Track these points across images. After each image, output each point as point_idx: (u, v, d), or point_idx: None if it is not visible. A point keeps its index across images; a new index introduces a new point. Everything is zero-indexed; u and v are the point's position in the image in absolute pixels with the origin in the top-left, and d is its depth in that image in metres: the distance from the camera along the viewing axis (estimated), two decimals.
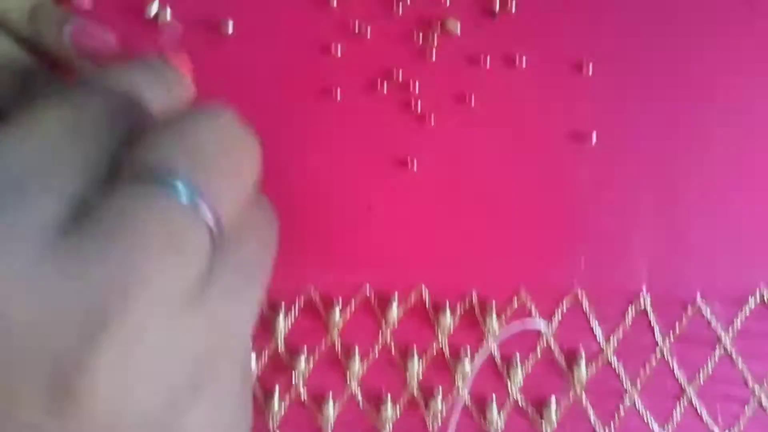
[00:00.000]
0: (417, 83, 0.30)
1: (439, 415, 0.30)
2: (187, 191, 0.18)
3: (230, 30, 0.31)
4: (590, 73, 0.30)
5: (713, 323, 0.30)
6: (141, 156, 0.19)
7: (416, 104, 0.30)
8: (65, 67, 0.30)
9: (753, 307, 0.30)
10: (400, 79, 0.30)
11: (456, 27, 0.30)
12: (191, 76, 0.29)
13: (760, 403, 0.30)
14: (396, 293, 0.30)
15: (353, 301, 0.31)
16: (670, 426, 0.30)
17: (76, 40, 0.30)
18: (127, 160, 0.19)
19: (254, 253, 0.22)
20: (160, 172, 0.18)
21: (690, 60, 0.30)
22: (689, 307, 0.30)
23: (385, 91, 0.31)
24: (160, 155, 0.19)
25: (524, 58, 0.30)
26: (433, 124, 0.30)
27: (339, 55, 0.31)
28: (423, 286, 0.30)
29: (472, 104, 0.30)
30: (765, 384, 0.30)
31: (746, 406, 0.30)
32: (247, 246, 0.21)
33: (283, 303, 0.31)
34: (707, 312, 0.30)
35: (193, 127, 0.20)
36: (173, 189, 0.18)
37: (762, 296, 0.30)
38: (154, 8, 0.31)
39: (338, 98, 0.31)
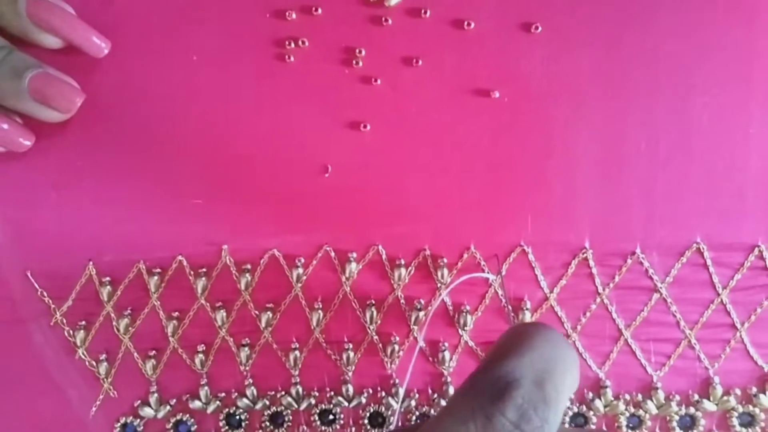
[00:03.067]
0: (366, 48, 0.31)
1: (396, 358, 0.33)
2: None
3: None
4: (539, 30, 0.30)
5: (651, 272, 0.32)
6: None
7: (366, 67, 0.31)
8: (22, 41, 0.31)
9: (689, 257, 0.32)
10: (350, 44, 0.31)
11: None
12: None
13: (690, 344, 0.33)
14: (354, 253, 0.33)
15: (314, 260, 0.33)
16: (607, 365, 0.33)
17: (32, 13, 0.30)
18: None
19: None
20: None
21: (638, 20, 0.30)
22: (629, 258, 0.32)
23: (336, 56, 0.31)
24: None
25: (472, 21, 0.30)
26: (380, 84, 0.31)
27: (294, 18, 0.31)
28: (380, 246, 0.32)
29: (419, 65, 0.31)
30: (696, 327, 0.32)
31: (677, 347, 0.33)
32: None
33: (249, 264, 0.33)
34: (646, 262, 0.32)
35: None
36: None
37: (699, 247, 0.32)
38: None
39: (291, 60, 0.32)
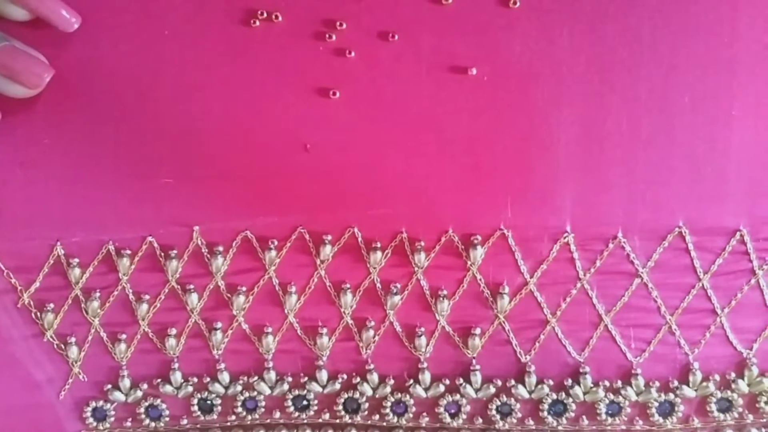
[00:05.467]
0: (341, 21, 0.30)
1: (372, 343, 0.32)
2: None
3: None
4: (517, 5, 0.29)
5: (632, 257, 0.31)
6: None
7: (340, 41, 0.30)
8: None
9: (671, 241, 0.31)
10: (325, 17, 0.30)
11: None
12: None
13: (670, 330, 0.32)
14: (329, 236, 0.32)
15: (288, 242, 0.32)
16: (587, 351, 0.32)
17: None
18: None
19: None
20: None
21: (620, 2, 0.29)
22: (610, 243, 0.31)
23: (310, 30, 0.30)
24: None
25: None
26: (354, 57, 0.30)
27: None
28: (356, 228, 0.32)
29: (396, 40, 0.30)
30: (677, 312, 0.32)
31: (657, 333, 0.32)
32: None
33: (221, 246, 0.32)
34: (627, 247, 0.31)
35: None
36: None
37: (680, 232, 0.31)
38: None
39: (264, 34, 0.30)
